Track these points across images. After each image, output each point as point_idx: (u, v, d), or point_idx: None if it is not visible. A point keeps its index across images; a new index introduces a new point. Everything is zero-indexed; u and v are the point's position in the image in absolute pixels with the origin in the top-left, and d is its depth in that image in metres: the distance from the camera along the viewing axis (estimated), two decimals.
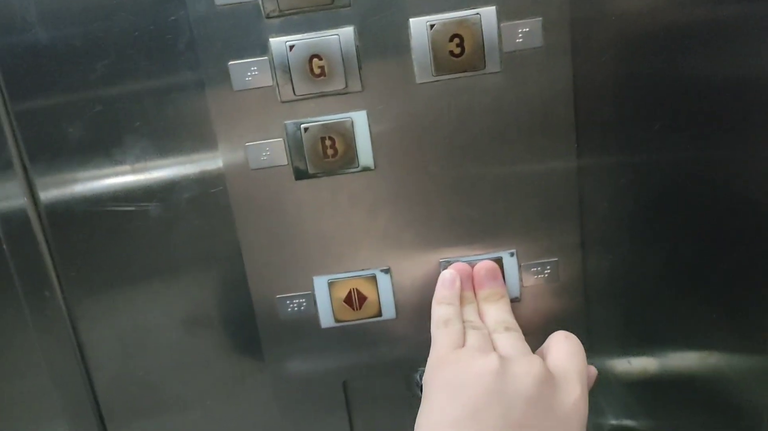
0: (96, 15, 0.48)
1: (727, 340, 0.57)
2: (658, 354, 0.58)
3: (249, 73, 0.49)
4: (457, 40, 0.48)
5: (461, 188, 0.52)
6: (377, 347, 0.57)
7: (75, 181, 0.52)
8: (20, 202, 0.53)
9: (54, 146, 0.52)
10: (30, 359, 0.57)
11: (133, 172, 0.52)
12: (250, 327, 0.56)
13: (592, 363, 0.57)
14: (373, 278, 0.55)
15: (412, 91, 0.50)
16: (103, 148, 0.52)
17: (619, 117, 0.51)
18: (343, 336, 0.57)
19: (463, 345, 0.48)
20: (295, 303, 0.55)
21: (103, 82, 0.50)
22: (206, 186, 0.53)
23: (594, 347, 0.57)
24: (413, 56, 0.49)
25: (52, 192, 0.53)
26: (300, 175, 0.52)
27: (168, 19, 0.49)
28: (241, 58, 0.49)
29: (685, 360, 0.58)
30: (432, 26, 0.48)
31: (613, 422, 0.61)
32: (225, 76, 0.49)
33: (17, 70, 0.50)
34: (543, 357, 0.47)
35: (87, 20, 0.49)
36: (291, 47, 0.48)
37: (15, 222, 0.53)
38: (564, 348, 0.48)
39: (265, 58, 0.49)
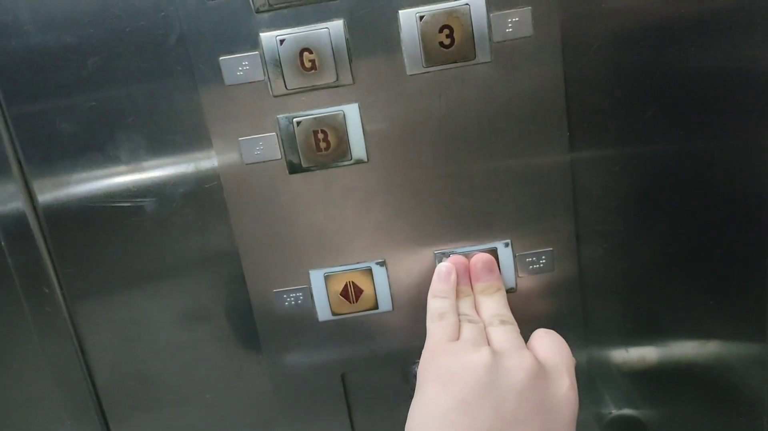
0: (87, 12, 0.49)
1: (725, 327, 0.57)
2: (656, 342, 0.58)
3: (240, 68, 0.49)
4: (446, 31, 0.48)
5: (454, 179, 0.52)
6: (375, 339, 0.57)
7: (70, 178, 0.53)
8: (18, 201, 0.53)
9: (49, 145, 0.52)
10: (31, 357, 0.58)
11: (128, 168, 0.52)
12: (248, 322, 0.57)
13: (588, 353, 0.57)
14: (369, 271, 0.55)
15: (403, 82, 0.50)
16: (97, 145, 0.52)
17: (611, 105, 0.51)
18: (341, 329, 0.57)
19: (458, 338, 0.49)
20: (292, 297, 0.55)
21: (96, 79, 0.50)
22: (201, 181, 0.53)
23: (591, 336, 0.57)
24: (403, 48, 0.49)
25: (48, 190, 0.53)
26: (294, 168, 0.52)
27: (158, 15, 0.49)
28: (232, 53, 0.49)
29: (683, 347, 0.58)
30: (421, 17, 0.48)
31: (614, 411, 0.61)
32: (216, 71, 0.49)
33: (12, 72, 0.50)
34: None
35: (78, 18, 0.49)
36: (281, 41, 0.48)
37: (13, 221, 0.54)
38: (548, 343, 0.49)
39: (256, 52, 0.49)
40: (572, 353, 0.50)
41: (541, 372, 0.45)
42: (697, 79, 0.50)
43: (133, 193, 0.53)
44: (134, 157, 0.52)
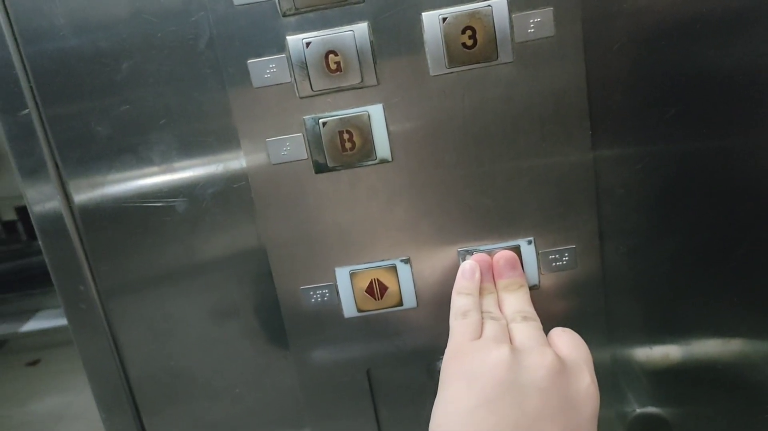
0: (121, 18, 0.50)
1: (748, 324, 0.57)
2: (679, 339, 0.58)
3: (268, 71, 0.51)
4: (469, 32, 0.49)
5: (477, 178, 0.53)
6: (399, 336, 0.58)
7: (105, 179, 0.54)
8: (54, 201, 0.55)
9: (84, 146, 0.54)
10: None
11: (159, 168, 0.54)
12: (276, 318, 0.58)
13: (612, 351, 0.58)
14: (394, 268, 0.56)
15: (427, 83, 0.51)
16: (130, 146, 0.54)
17: (633, 104, 0.51)
18: (366, 325, 0.58)
19: (481, 335, 0.49)
20: (318, 293, 0.57)
21: (129, 83, 0.52)
22: (229, 181, 0.54)
23: (614, 334, 0.58)
24: (426, 49, 0.50)
25: (83, 190, 0.55)
26: (319, 168, 0.53)
27: (189, 20, 0.50)
28: (260, 56, 0.50)
29: (707, 345, 0.58)
30: (444, 19, 0.49)
31: (637, 409, 0.61)
32: (245, 74, 0.51)
33: (49, 76, 0.52)
34: None
35: (112, 23, 0.51)
36: (307, 44, 0.50)
37: (50, 221, 0.56)
38: (566, 340, 0.49)
39: (283, 55, 0.50)
40: (595, 351, 0.50)
41: (562, 368, 0.46)
42: (718, 77, 0.50)
43: (164, 193, 0.55)
44: (166, 158, 0.54)
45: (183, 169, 0.54)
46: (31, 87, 0.52)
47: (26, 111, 0.53)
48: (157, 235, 0.56)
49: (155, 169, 0.54)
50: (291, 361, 0.59)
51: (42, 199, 0.55)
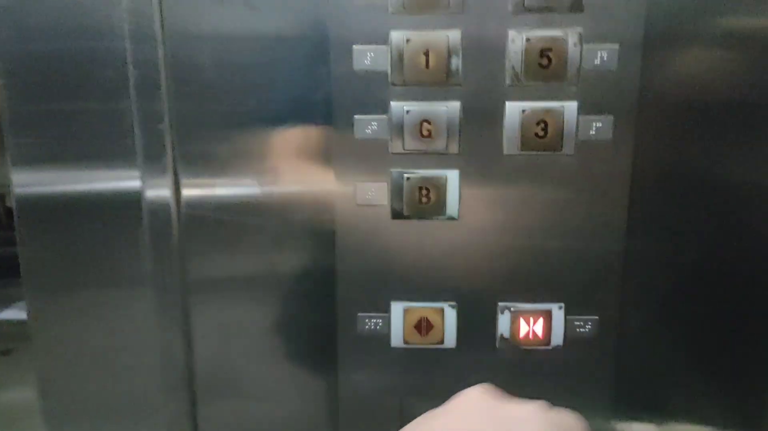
0: (257, 52, 0.61)
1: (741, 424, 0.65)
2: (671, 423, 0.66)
3: (369, 127, 0.61)
4: (542, 125, 0.59)
5: (526, 245, 0.63)
6: (435, 373, 0.66)
7: (218, 188, 0.63)
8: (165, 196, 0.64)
9: (205, 157, 0.63)
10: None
11: (261, 189, 0.63)
12: (329, 337, 0.66)
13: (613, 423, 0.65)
14: (441, 310, 0.65)
15: (500, 160, 0.60)
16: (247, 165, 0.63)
17: (669, 206, 0.61)
18: (408, 357, 0.66)
19: None
20: (373, 322, 0.65)
21: (254, 114, 0.62)
22: (317, 212, 0.63)
23: (618, 408, 0.66)
24: (504, 132, 0.60)
25: (194, 194, 0.64)
26: (396, 214, 0.62)
27: (312, 74, 0.60)
28: (365, 114, 0.60)
29: None
30: (523, 111, 0.59)
31: None
32: (350, 126, 0.61)
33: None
34: None
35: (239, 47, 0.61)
36: (407, 111, 0.60)
37: (157, 209, 0.64)
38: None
39: (385, 116, 0.60)
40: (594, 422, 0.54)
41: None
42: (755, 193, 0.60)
43: (262, 211, 0.64)
44: (268, 181, 0.63)
45: (281, 193, 0.63)
46: None
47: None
48: (249, 248, 0.64)
49: (257, 188, 0.63)
50: (336, 380, 0.67)
51: (155, 189, 0.64)
